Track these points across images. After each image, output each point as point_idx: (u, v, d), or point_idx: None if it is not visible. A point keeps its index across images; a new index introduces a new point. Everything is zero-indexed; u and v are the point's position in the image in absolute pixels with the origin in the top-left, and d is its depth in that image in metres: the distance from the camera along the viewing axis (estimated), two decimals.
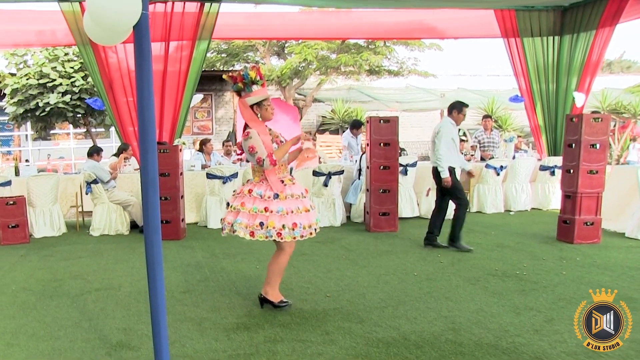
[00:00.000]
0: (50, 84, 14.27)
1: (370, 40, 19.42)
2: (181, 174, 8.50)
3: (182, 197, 8.51)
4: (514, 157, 10.82)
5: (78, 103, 14.51)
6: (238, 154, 9.19)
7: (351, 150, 11.07)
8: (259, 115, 4.66)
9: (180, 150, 8.63)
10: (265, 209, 4.52)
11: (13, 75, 14.77)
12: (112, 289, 5.73)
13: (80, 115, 15.10)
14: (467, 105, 7.32)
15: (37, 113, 14.48)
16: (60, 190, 9.32)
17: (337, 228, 9.04)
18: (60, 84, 14.26)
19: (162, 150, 8.11)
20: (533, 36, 10.78)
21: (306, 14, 11.61)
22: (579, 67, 10.65)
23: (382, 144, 8.41)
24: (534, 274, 5.91)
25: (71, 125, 16.96)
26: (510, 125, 21.43)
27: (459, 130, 21.27)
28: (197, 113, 20.92)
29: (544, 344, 4.02)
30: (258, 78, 4.57)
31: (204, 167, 10.12)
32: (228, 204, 4.75)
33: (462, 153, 10.77)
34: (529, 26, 10.70)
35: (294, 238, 4.56)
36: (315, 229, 4.71)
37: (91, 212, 9.11)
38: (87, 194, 8.90)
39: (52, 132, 17.46)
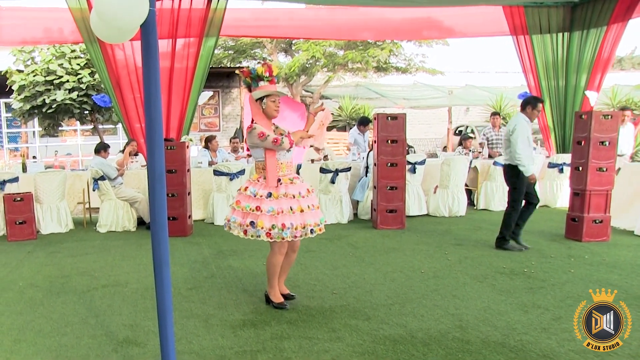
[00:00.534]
0: (57, 81, 14.28)
1: None
2: (188, 170, 8.51)
3: (189, 193, 8.51)
4: None
5: (85, 100, 14.51)
6: (248, 151, 9.19)
7: (358, 147, 11.05)
8: (263, 111, 4.66)
9: (187, 147, 8.63)
10: (257, 208, 4.55)
11: (20, 72, 14.79)
12: (119, 285, 5.73)
13: (87, 112, 15.11)
14: (542, 101, 7.04)
15: (44, 110, 14.50)
16: (68, 186, 9.34)
17: (344, 225, 9.02)
18: (67, 81, 14.27)
19: (169, 147, 8.11)
20: (542, 33, 10.71)
21: (313, 10, 11.56)
22: (589, 64, 10.57)
23: (389, 141, 8.38)
24: (542, 272, 5.88)
25: (78, 122, 16.96)
26: None
27: (467, 127, 21.18)
28: (204, 110, 20.95)
29: (552, 342, 4.00)
30: (267, 74, 4.57)
31: (211, 163, 10.12)
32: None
33: (470, 150, 10.76)
34: (538, 22, 10.63)
35: (283, 239, 4.55)
36: (311, 230, 4.64)
37: (98, 208, 9.12)
38: (94, 190, 8.91)
39: (59, 128, 17.45)
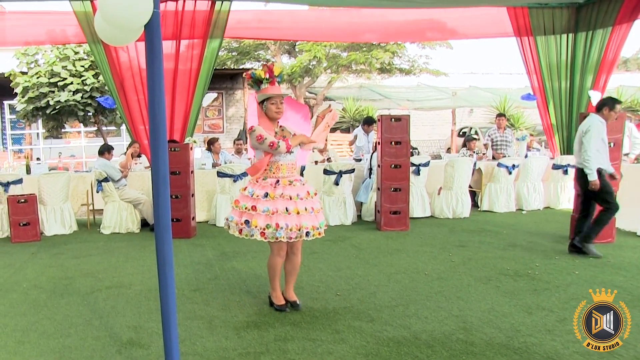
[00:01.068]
0: (61, 83, 14.33)
1: None
2: (192, 172, 8.52)
3: (192, 195, 8.52)
4: (526, 156, 10.75)
5: (89, 101, 14.56)
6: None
7: (360, 149, 11.05)
8: (265, 113, 4.67)
9: (191, 148, 8.63)
10: (253, 208, 4.55)
11: (24, 73, 14.84)
12: (123, 287, 5.74)
13: (91, 113, 15.16)
14: (620, 102, 6.83)
15: (48, 111, 14.54)
16: (71, 188, 9.35)
17: (348, 227, 9.02)
18: (71, 83, 14.32)
19: (173, 149, 8.13)
20: (546, 34, 10.68)
21: (316, 11, 11.57)
22: (594, 65, 10.53)
23: (393, 143, 8.37)
24: (546, 274, 5.86)
25: (82, 124, 17.02)
26: (523, 124, 21.34)
27: (471, 128, 21.15)
28: (208, 111, 20.97)
29: (556, 344, 3.99)
30: (266, 76, 4.56)
31: (214, 165, 10.13)
32: None
33: (474, 152, 10.75)
34: (542, 23, 10.59)
35: (276, 239, 4.52)
36: (307, 232, 4.57)
37: (102, 210, 9.14)
38: (98, 192, 8.93)
39: (63, 130, 17.52)
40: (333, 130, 23.09)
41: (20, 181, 8.86)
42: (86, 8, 8.94)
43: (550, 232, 8.12)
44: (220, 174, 9.20)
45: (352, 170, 9.26)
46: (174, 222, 7.63)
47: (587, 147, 6.50)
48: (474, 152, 10.95)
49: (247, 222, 4.56)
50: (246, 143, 11.85)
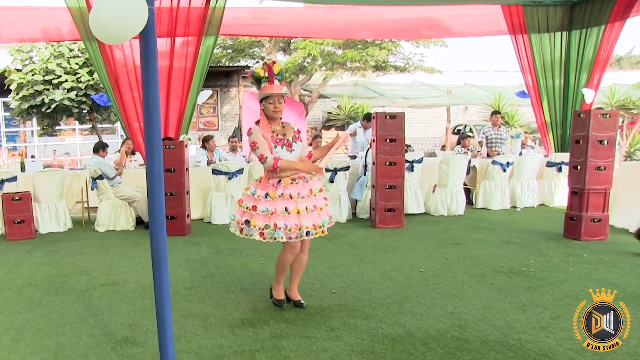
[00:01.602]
0: (55, 81, 14.28)
1: None
2: (187, 169, 8.50)
3: (187, 193, 8.51)
4: (520, 154, 10.78)
5: (83, 99, 14.51)
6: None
7: (357, 145, 11.06)
8: (264, 112, 4.65)
9: (186, 146, 8.63)
10: (253, 208, 4.54)
11: (19, 71, 14.79)
12: (118, 284, 5.73)
13: (85, 111, 15.11)
14: None
15: (43, 109, 14.50)
16: (66, 186, 9.33)
17: (343, 224, 9.02)
18: (66, 80, 14.27)
19: (167, 146, 8.11)
20: (540, 32, 10.70)
21: (312, 9, 11.56)
22: (588, 63, 10.57)
23: (388, 140, 8.38)
24: (541, 271, 5.89)
25: (77, 121, 16.97)
26: (517, 122, 21.38)
27: (465, 126, 21.13)
28: (203, 109, 20.96)
29: (550, 341, 4.00)
30: (266, 75, 4.54)
31: (209, 163, 10.12)
32: None
33: (469, 149, 10.77)
34: (537, 21, 10.62)
35: (274, 239, 4.49)
36: (307, 232, 4.51)
37: (97, 207, 9.12)
38: (92, 189, 8.91)
39: (57, 128, 17.48)
40: (327, 127, 23.12)
41: (14, 179, 8.83)
42: (80, 4, 8.91)
43: (545, 230, 8.15)
44: (215, 172, 9.20)
45: (347, 168, 9.27)
46: (169, 220, 7.63)
47: None
48: (469, 149, 10.96)
49: (247, 222, 4.55)
50: (241, 141, 11.85)
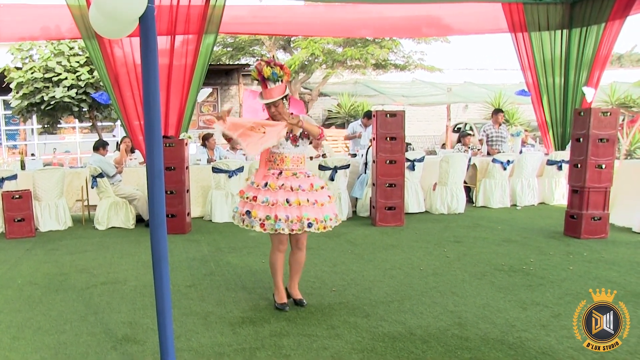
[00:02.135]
0: (55, 79, 14.27)
1: None
2: (187, 167, 8.50)
3: (187, 191, 8.51)
4: (520, 152, 10.77)
5: (83, 97, 14.51)
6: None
7: (356, 143, 11.04)
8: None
9: (186, 144, 8.62)
10: (254, 198, 4.54)
11: (19, 69, 14.78)
12: (118, 282, 5.73)
13: (85, 109, 15.11)
14: None
15: (43, 107, 14.50)
16: (66, 184, 9.33)
17: (343, 222, 8.96)
18: (66, 78, 14.26)
19: (168, 144, 8.11)
20: (541, 30, 10.68)
21: (312, 7, 11.55)
22: (588, 61, 10.55)
23: (388, 138, 8.38)
24: (541, 269, 5.88)
25: (77, 120, 16.96)
26: (517, 120, 21.37)
27: (465, 124, 21.09)
28: (203, 107, 20.95)
29: (550, 339, 4.00)
30: (259, 79, 4.52)
31: (209, 161, 10.11)
32: None
33: (469, 147, 10.76)
34: (537, 19, 10.60)
35: (276, 230, 4.48)
36: (309, 223, 4.47)
37: (97, 206, 9.11)
38: (92, 187, 8.91)
39: (58, 126, 17.47)
40: (328, 126, 23.10)
41: (14, 177, 8.82)
42: (80, 2, 8.89)
43: (545, 228, 8.15)
44: (216, 170, 9.19)
45: (347, 166, 9.27)
46: (169, 218, 7.63)
47: None
48: (469, 147, 10.96)
49: (248, 212, 4.55)
50: None
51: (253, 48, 22.23)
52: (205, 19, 9.31)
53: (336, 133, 21.32)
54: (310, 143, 4.82)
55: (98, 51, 9.25)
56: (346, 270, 6.03)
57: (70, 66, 14.43)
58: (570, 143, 10.59)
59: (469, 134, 11.55)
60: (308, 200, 4.50)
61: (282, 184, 4.50)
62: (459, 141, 11.39)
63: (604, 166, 7.26)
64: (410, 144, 9.94)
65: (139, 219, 9.13)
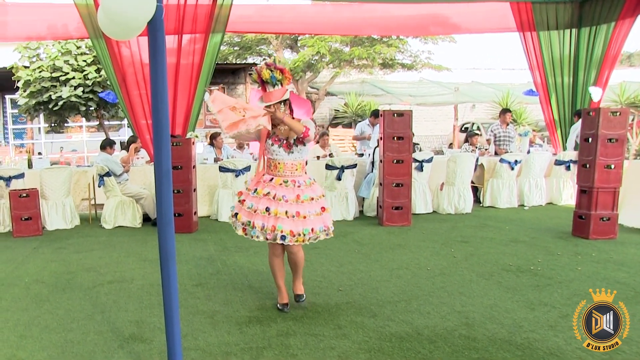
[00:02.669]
0: (63, 78, 14.30)
1: None
2: (194, 167, 8.50)
3: (194, 190, 8.51)
4: (528, 152, 10.73)
5: (91, 96, 14.54)
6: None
7: (363, 143, 11.02)
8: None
9: (193, 143, 8.62)
10: (242, 202, 4.57)
11: (26, 68, 14.82)
12: (125, 281, 5.73)
13: (93, 108, 15.14)
14: None
15: (50, 106, 14.53)
16: (73, 183, 9.34)
17: (350, 222, 9.01)
18: (73, 77, 14.29)
19: (175, 143, 8.11)
20: (549, 29, 10.64)
21: (319, 6, 11.55)
22: (597, 61, 10.50)
23: (395, 138, 8.35)
24: (549, 270, 5.85)
25: (84, 119, 17.00)
26: (525, 120, 21.30)
27: (473, 124, 21.04)
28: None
29: (559, 340, 3.98)
30: (258, 81, 4.52)
31: (216, 160, 10.12)
32: None
33: (476, 147, 10.72)
34: (546, 19, 10.56)
35: (252, 238, 4.50)
36: (283, 236, 4.39)
37: (103, 204, 9.12)
38: (99, 186, 8.92)
39: (65, 125, 17.52)
40: (334, 125, 23.08)
41: (22, 176, 8.85)
42: (88, 1, 8.92)
43: (553, 228, 8.11)
44: (222, 169, 9.19)
45: (354, 166, 9.25)
46: (176, 217, 7.60)
47: None
48: (477, 147, 10.92)
49: (236, 214, 4.60)
50: None
51: (260, 47, 22.24)
52: (212, 18, 9.32)
53: (343, 132, 21.31)
54: (306, 143, 4.70)
55: (105, 50, 9.29)
56: (353, 270, 6.01)
57: (78, 65, 14.45)
58: (568, 142, 10.61)
59: (477, 134, 11.51)
60: (287, 213, 4.41)
61: (268, 192, 4.47)
62: (466, 141, 11.35)
63: (613, 166, 7.22)
64: (417, 144, 9.91)
65: (146, 218, 9.13)
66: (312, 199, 4.54)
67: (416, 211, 9.27)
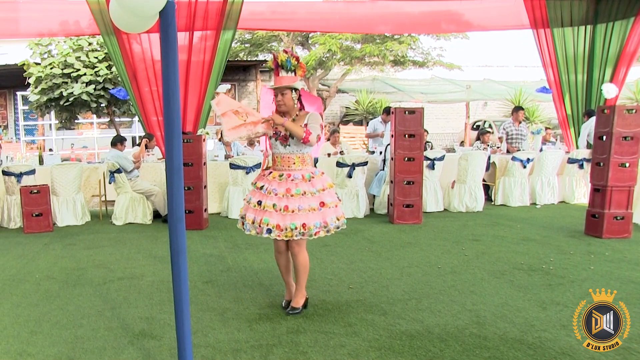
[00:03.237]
0: (74, 74, 14.36)
1: None
2: (204, 163, 8.51)
3: (205, 187, 8.51)
4: (541, 150, 10.66)
5: (102, 93, 14.60)
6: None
7: (375, 140, 10.98)
8: None
9: (204, 140, 8.62)
10: (247, 196, 4.63)
11: (37, 64, 14.89)
12: (135, 278, 5.74)
13: (103, 104, 15.20)
14: None
15: (61, 103, 14.60)
16: (84, 179, 9.39)
17: (361, 220, 8.98)
18: (85, 74, 14.35)
19: (186, 140, 8.11)
20: (564, 26, 10.54)
21: (330, 3, 11.53)
22: (614, 58, 10.40)
23: (406, 136, 8.32)
24: (561, 268, 5.80)
25: (95, 115, 17.07)
26: (538, 117, 21.17)
27: (484, 122, 20.94)
28: None
29: (571, 339, 3.93)
30: (273, 67, 4.49)
31: (227, 157, 10.11)
32: None
33: (488, 145, 10.66)
34: (560, 15, 10.46)
35: (245, 232, 4.51)
36: (268, 229, 4.32)
37: (114, 201, 9.15)
38: (110, 183, 8.94)
39: (75, 121, 17.60)
40: (345, 122, 23.04)
41: (33, 172, 8.88)
42: None
43: (565, 227, 8.05)
44: (233, 166, 9.19)
45: (365, 163, 9.22)
46: (187, 214, 7.63)
47: None
48: (488, 145, 10.86)
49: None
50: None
51: (271, 44, 22.20)
52: (223, 15, 9.32)
53: (354, 130, 21.28)
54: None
55: (116, 47, 9.31)
56: (363, 267, 5.99)
57: (89, 62, 14.52)
58: (579, 141, 10.51)
59: (488, 132, 11.44)
60: (274, 206, 4.36)
61: (262, 186, 4.47)
62: (477, 139, 11.30)
63: (627, 165, 7.15)
64: (429, 142, 9.87)
65: (156, 215, 9.16)
66: (305, 193, 4.39)
67: (427, 209, 9.23)
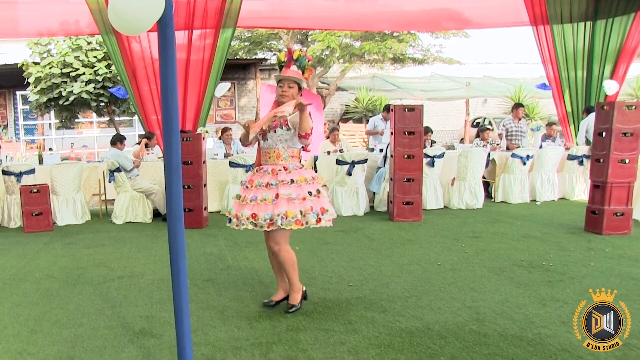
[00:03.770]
0: (73, 73, 14.35)
1: None
2: (204, 162, 8.51)
3: (205, 185, 8.51)
4: (540, 147, 10.65)
5: (101, 92, 14.59)
6: None
7: (375, 138, 10.97)
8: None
9: (203, 138, 8.62)
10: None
11: (37, 64, 14.88)
12: (135, 276, 5.74)
13: (103, 104, 15.19)
14: None
15: (61, 102, 14.59)
16: (84, 178, 9.39)
17: (360, 217, 8.98)
18: (84, 73, 14.34)
19: (185, 139, 8.11)
20: (563, 22, 10.52)
21: (330, 1, 11.49)
22: (613, 54, 10.38)
23: (406, 133, 8.31)
24: (561, 265, 5.80)
25: (94, 114, 17.06)
26: (538, 114, 21.15)
27: (484, 119, 20.89)
28: (220, 102, 20.97)
29: (571, 336, 3.93)
30: (285, 59, 4.50)
31: (226, 155, 10.11)
32: None
33: (488, 142, 10.65)
34: (560, 12, 10.43)
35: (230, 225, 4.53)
36: (256, 222, 4.30)
37: (114, 200, 9.16)
38: (110, 182, 8.95)
39: (75, 120, 17.58)
40: (345, 120, 23.02)
41: (32, 171, 8.89)
42: None
43: (565, 223, 8.05)
44: (233, 164, 9.19)
45: (365, 161, 9.22)
46: (186, 213, 7.65)
47: None
48: (488, 142, 10.85)
49: None
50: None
51: (270, 42, 22.16)
52: (222, 13, 9.31)
53: (353, 128, 21.26)
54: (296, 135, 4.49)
55: (116, 46, 9.30)
56: (363, 265, 5.99)
57: (88, 61, 14.51)
58: (578, 137, 10.50)
59: (488, 129, 11.43)
60: (251, 200, 4.37)
61: (247, 180, 4.56)
62: (477, 136, 11.29)
63: (627, 161, 7.14)
64: (434, 142, 9.87)
65: (156, 214, 9.16)
66: (283, 181, 4.33)
67: (427, 206, 9.23)
